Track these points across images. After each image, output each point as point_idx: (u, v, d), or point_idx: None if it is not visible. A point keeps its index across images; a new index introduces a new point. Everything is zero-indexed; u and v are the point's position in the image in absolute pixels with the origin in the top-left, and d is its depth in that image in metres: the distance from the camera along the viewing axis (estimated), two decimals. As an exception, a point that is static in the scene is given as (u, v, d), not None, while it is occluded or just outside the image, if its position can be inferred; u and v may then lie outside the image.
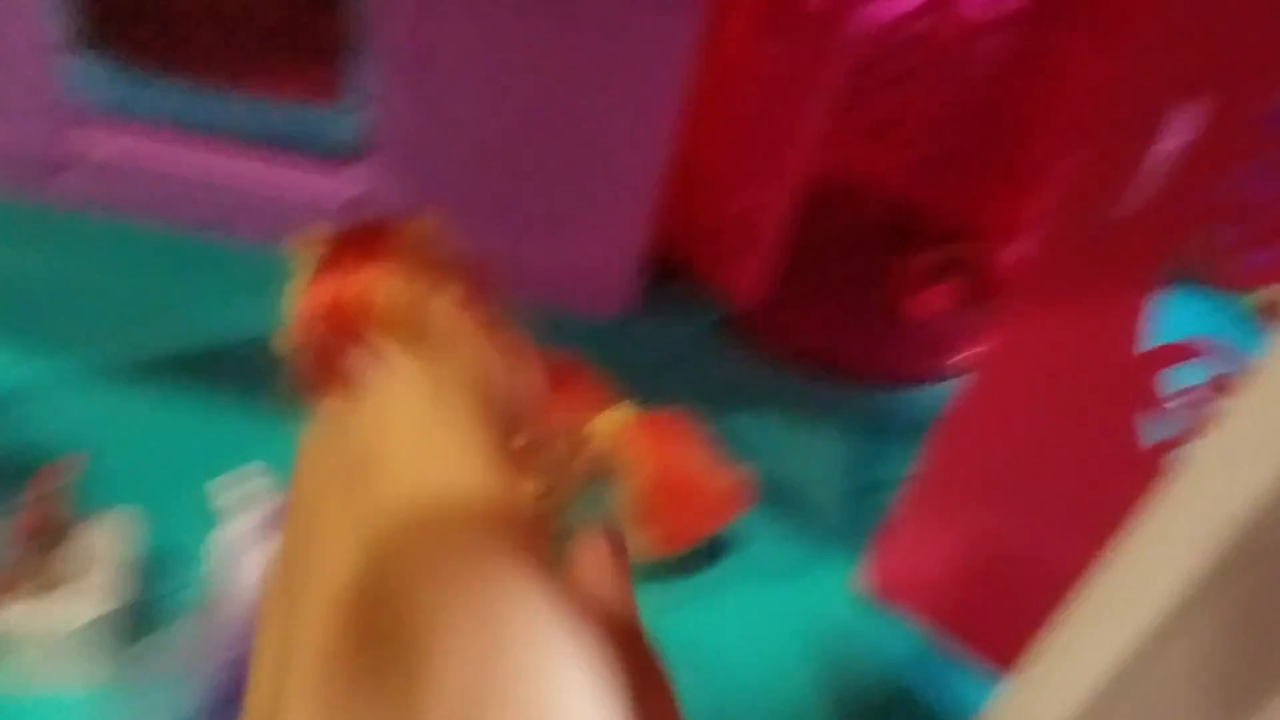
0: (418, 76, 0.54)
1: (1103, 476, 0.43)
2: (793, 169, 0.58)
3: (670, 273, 0.66)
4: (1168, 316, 0.43)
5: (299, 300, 0.43)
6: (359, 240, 0.43)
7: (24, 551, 0.40)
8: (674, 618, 0.49)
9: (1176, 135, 0.38)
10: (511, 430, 0.44)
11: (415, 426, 0.26)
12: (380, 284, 0.41)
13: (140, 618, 0.45)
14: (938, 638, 0.51)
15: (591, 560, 0.27)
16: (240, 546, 0.37)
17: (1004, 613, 0.48)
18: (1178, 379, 0.44)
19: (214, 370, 0.55)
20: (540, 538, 0.23)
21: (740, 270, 0.62)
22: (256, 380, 0.51)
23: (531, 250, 0.60)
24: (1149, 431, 0.43)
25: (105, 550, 0.42)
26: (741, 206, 0.61)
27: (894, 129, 0.69)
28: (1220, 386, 0.42)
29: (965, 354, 0.67)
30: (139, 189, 0.60)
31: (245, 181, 0.59)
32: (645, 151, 0.57)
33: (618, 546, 0.29)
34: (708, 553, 0.52)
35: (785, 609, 0.51)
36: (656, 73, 0.54)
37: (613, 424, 0.47)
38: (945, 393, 0.65)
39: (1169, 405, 0.43)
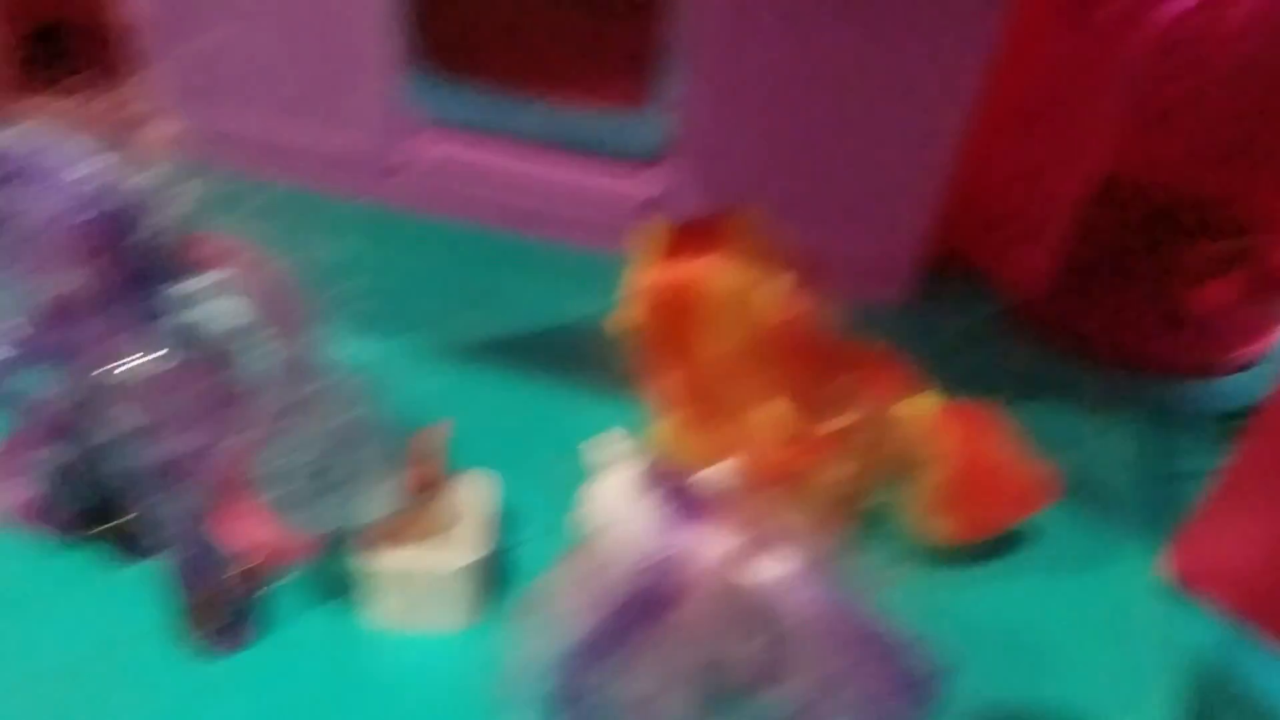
0: (721, 82, 0.58)
1: None
2: (1084, 160, 0.58)
3: (948, 261, 0.67)
4: None
5: (640, 283, 0.47)
6: (694, 231, 0.47)
7: (408, 503, 0.45)
8: (972, 602, 0.50)
9: None
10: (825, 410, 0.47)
11: None
12: (715, 271, 0.45)
13: (501, 567, 0.49)
14: (1245, 627, 0.50)
15: None
16: (611, 503, 0.40)
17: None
18: None
19: (539, 349, 0.60)
20: None
21: (1024, 260, 0.63)
22: (577, 357, 0.57)
23: (816, 241, 0.62)
24: None
25: (470, 504, 0.47)
26: (1028, 196, 0.62)
27: (1179, 120, 0.68)
28: None
29: (1250, 348, 0.66)
30: (460, 191, 0.66)
31: (555, 184, 0.64)
32: (935, 145, 0.58)
33: None
34: (1006, 539, 0.53)
35: (1085, 596, 0.52)
36: (953, 70, 0.56)
37: (920, 410, 0.49)
38: (1234, 385, 0.64)
39: None
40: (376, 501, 0.42)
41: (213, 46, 0.63)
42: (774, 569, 0.39)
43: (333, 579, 0.49)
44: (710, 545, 0.38)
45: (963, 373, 0.61)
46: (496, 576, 0.49)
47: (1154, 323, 0.66)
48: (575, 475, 0.45)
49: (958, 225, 0.64)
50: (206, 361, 0.38)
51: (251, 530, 0.41)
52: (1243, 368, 0.66)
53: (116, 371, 0.35)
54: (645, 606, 0.38)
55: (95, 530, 0.48)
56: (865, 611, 0.40)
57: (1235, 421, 0.61)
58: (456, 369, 0.59)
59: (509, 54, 0.64)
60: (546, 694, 0.42)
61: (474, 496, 0.48)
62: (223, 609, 0.45)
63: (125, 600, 0.47)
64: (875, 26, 0.54)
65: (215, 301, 0.36)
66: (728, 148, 0.60)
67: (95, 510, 0.48)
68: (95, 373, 0.36)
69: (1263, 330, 0.67)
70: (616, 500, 0.40)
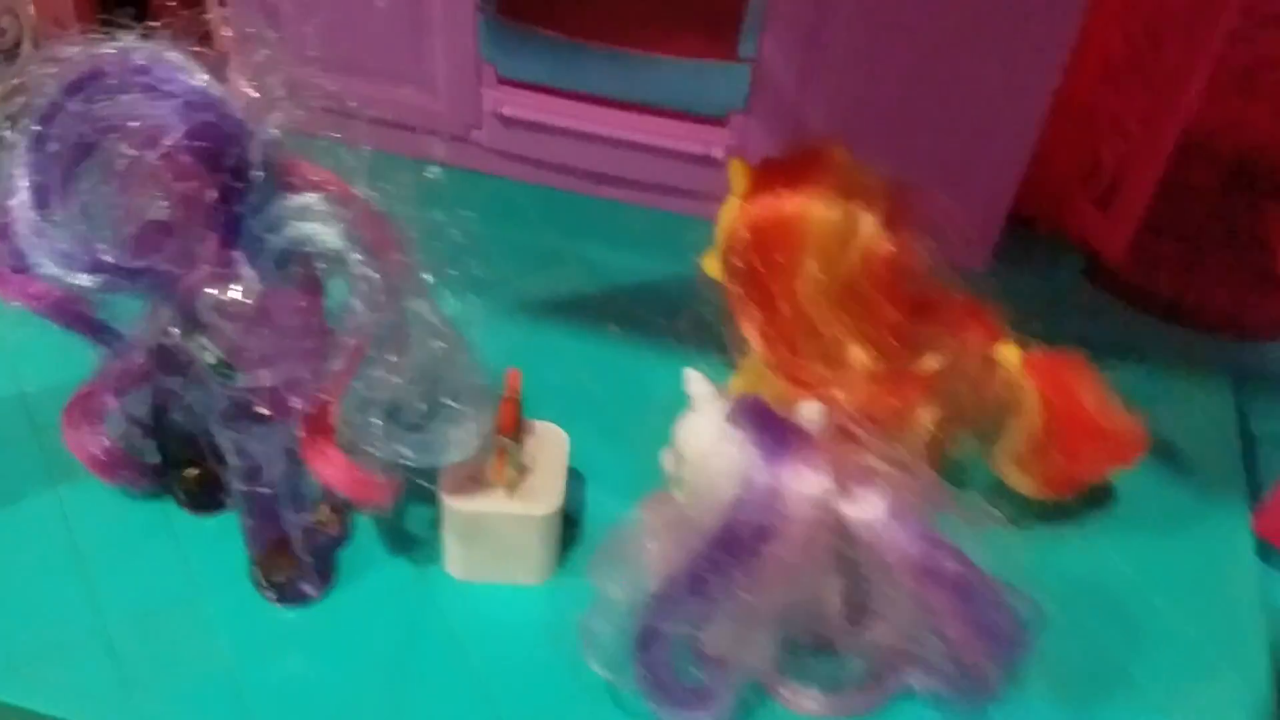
0: (803, 33, 0.57)
1: None
2: (1174, 117, 0.57)
3: (1031, 223, 0.66)
4: None
5: (735, 219, 0.46)
6: (785, 168, 0.46)
7: (490, 449, 0.44)
8: (1065, 558, 0.49)
9: None
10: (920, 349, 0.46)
11: None
12: (814, 205, 0.44)
13: (575, 521, 0.49)
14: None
15: None
16: (704, 439, 0.40)
17: None
18: None
19: (611, 309, 0.59)
20: None
21: (1108, 221, 0.62)
22: (650, 317, 0.56)
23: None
24: None
25: (546, 456, 0.47)
26: (1115, 155, 0.60)
27: (1264, 77, 0.66)
28: None
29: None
30: (533, 150, 0.65)
31: (634, 139, 0.63)
32: (1025, 107, 0.57)
33: None
34: (1098, 496, 0.52)
35: (1177, 556, 0.51)
36: (1045, 30, 0.54)
37: (1008, 358, 0.47)
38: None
39: None
40: (460, 443, 0.42)
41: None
42: (869, 507, 0.38)
43: (412, 529, 0.49)
44: (805, 480, 0.37)
45: (1044, 335, 0.60)
46: (571, 530, 0.49)
47: (1241, 284, 0.65)
48: (646, 432, 0.45)
49: (1042, 186, 0.63)
50: (301, 288, 0.37)
51: (335, 469, 0.40)
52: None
53: (211, 296, 0.35)
54: (741, 540, 0.37)
55: (173, 481, 0.48)
56: (959, 557, 0.39)
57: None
58: (528, 327, 0.58)
59: (590, 3, 0.63)
60: (630, 639, 0.41)
61: (549, 448, 0.47)
62: (300, 556, 0.45)
63: (203, 550, 0.47)
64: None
65: (310, 224, 0.35)
66: (808, 105, 0.59)
67: (173, 461, 0.48)
68: (189, 299, 0.36)
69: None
70: (709, 436, 0.39)
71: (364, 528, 0.49)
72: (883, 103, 0.58)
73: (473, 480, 0.45)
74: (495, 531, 0.45)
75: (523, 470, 0.46)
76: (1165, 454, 0.54)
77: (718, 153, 0.62)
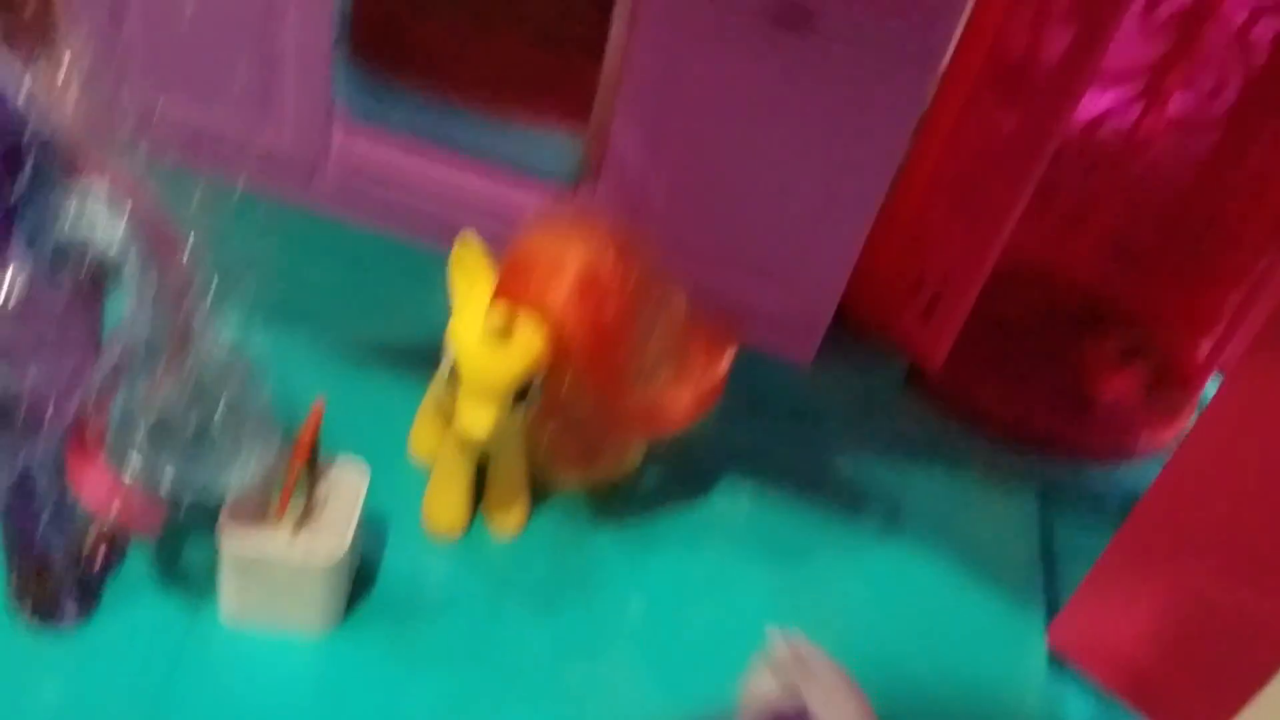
0: (651, 119, 0.58)
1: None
2: (997, 240, 0.59)
3: (860, 325, 0.67)
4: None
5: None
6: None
7: (275, 484, 0.42)
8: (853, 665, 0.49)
9: None
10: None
11: None
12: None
13: (365, 568, 0.47)
14: (1124, 706, 0.50)
15: None
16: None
17: (1198, 687, 0.47)
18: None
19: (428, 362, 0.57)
20: None
21: (929, 332, 0.64)
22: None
23: (734, 290, 0.62)
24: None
25: (340, 494, 0.45)
26: (941, 269, 0.62)
27: (1090, 217, 0.70)
28: None
29: (1150, 438, 0.67)
30: (380, 197, 0.64)
31: (478, 199, 0.63)
32: (857, 206, 0.58)
33: None
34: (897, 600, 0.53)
35: (965, 668, 0.51)
36: (881, 131, 0.56)
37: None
38: (1130, 473, 0.65)
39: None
40: (237, 473, 0.40)
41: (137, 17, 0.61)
42: None
43: (193, 561, 0.46)
44: None
45: (861, 434, 0.62)
46: (365, 577, 0.47)
47: (1055, 407, 0.67)
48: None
49: (872, 291, 0.65)
50: (77, 289, 0.35)
51: (95, 487, 0.38)
52: (1140, 458, 0.67)
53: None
54: None
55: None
56: None
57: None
58: (345, 371, 0.57)
59: (450, 60, 0.63)
60: None
61: (345, 486, 0.45)
62: (59, 577, 0.42)
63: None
64: (809, 82, 0.54)
65: (88, 220, 0.34)
66: (650, 181, 0.60)
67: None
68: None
69: (1165, 422, 0.68)
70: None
71: (143, 556, 0.46)
72: (722, 191, 0.59)
73: (256, 517, 0.43)
74: (273, 577, 0.43)
75: (311, 508, 0.44)
76: (965, 564, 0.55)
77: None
